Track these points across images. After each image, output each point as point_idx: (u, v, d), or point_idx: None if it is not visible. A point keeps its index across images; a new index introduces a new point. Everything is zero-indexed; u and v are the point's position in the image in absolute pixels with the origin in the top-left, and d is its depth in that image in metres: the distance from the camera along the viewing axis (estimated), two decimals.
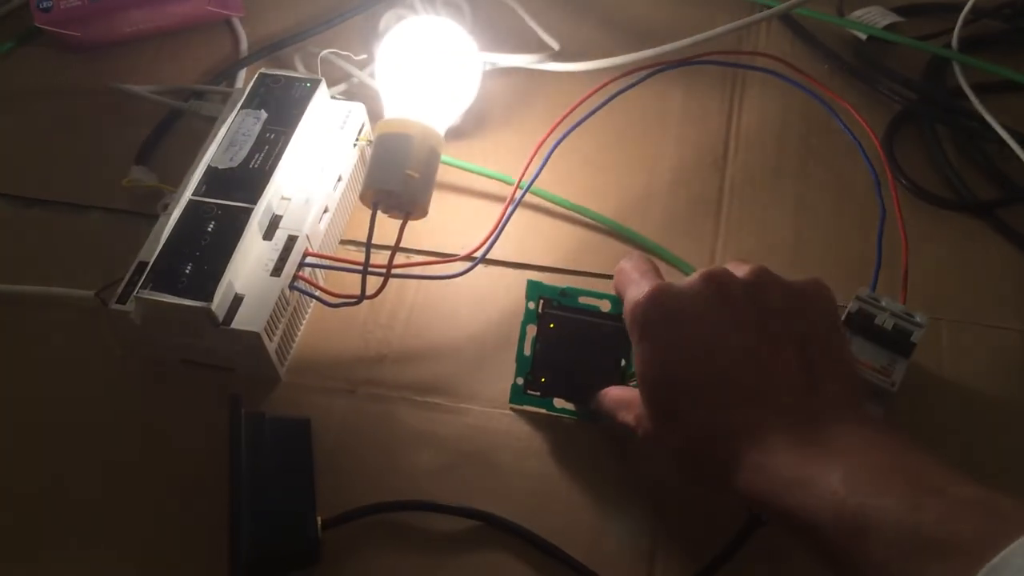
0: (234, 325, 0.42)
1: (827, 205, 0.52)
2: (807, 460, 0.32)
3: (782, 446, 0.33)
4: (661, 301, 0.36)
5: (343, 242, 0.51)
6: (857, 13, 0.61)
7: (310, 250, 0.46)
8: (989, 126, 0.53)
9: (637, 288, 0.36)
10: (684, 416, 0.35)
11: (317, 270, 0.47)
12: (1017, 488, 0.41)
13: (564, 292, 0.42)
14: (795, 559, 0.39)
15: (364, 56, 0.58)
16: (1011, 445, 0.43)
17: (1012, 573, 0.25)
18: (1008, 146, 0.52)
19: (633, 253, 0.40)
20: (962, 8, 0.58)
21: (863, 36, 0.59)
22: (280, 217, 0.46)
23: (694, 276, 0.36)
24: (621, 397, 0.39)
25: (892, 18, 0.60)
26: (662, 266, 0.47)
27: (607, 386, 0.41)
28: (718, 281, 0.36)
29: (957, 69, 0.56)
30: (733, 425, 0.34)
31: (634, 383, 0.41)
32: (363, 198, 0.46)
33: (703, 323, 0.35)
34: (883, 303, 0.43)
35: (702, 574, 0.38)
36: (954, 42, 0.57)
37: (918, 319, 0.42)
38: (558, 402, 0.43)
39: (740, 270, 0.37)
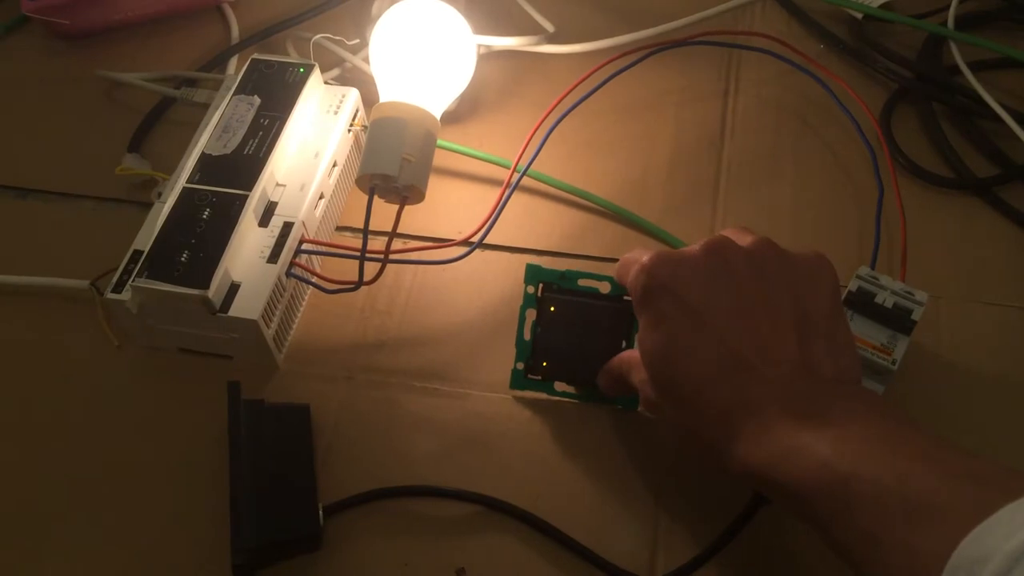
0: (231, 312, 0.42)
1: (825, 184, 0.52)
2: (800, 431, 0.32)
3: (777, 419, 0.33)
4: (661, 267, 0.35)
5: (339, 228, 0.51)
6: None
7: (306, 236, 0.46)
8: (986, 104, 0.53)
9: (639, 263, 0.36)
10: (682, 386, 0.35)
11: (314, 257, 0.47)
12: (1015, 466, 0.41)
13: (564, 275, 0.42)
14: (799, 540, 0.39)
15: (357, 40, 0.57)
16: (1010, 422, 0.43)
17: (994, 542, 0.25)
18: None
19: (635, 247, 0.39)
20: None
21: (859, 15, 0.59)
22: (275, 204, 0.46)
23: (696, 245, 0.36)
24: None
25: None
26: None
27: None
28: (720, 251, 0.36)
29: (953, 47, 0.56)
30: (730, 397, 0.34)
31: None
32: (359, 183, 0.46)
33: (702, 292, 0.35)
34: (883, 281, 0.43)
35: (704, 555, 0.38)
36: (950, 20, 0.57)
37: (918, 297, 0.42)
38: (559, 386, 0.43)
39: (743, 239, 0.37)
